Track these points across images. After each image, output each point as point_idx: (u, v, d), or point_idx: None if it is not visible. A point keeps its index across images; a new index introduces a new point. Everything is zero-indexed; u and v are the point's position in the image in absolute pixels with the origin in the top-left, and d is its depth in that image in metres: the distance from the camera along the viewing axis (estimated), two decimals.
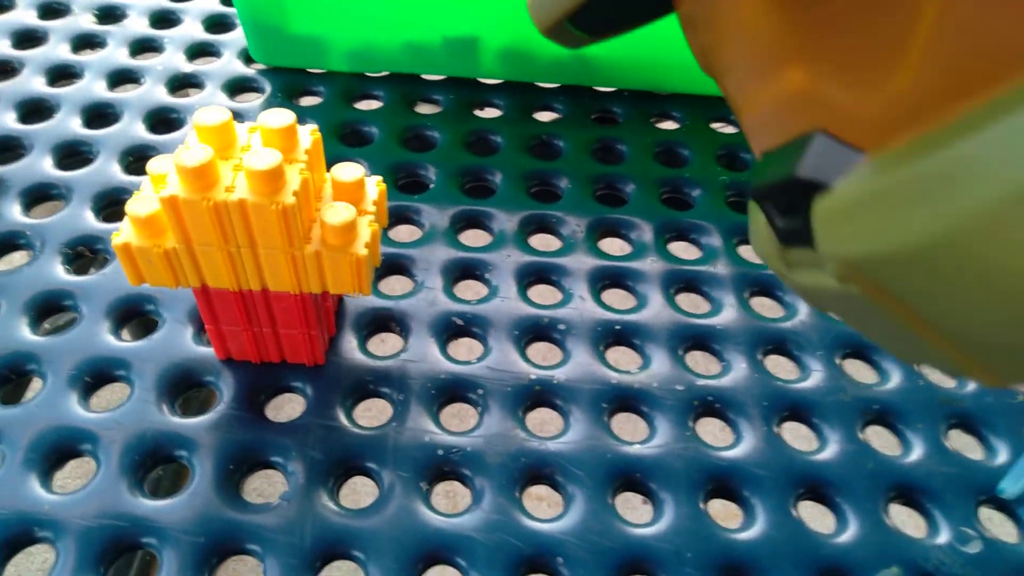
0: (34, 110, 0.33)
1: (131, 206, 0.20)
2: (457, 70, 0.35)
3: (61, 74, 0.35)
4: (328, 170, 0.22)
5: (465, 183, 0.31)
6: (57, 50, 0.36)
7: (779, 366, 0.26)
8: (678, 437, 0.23)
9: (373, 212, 0.22)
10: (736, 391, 0.24)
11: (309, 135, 0.21)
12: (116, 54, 0.36)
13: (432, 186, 0.31)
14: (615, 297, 0.28)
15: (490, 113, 0.34)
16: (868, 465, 0.23)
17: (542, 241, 0.29)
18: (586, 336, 0.26)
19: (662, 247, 0.29)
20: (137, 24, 0.38)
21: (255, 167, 0.19)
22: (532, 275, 0.28)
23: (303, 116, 0.33)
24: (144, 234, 0.20)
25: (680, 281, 0.28)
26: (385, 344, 0.26)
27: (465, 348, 0.26)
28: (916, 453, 0.23)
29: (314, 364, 0.24)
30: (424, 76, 0.36)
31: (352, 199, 0.21)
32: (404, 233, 0.29)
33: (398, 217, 0.29)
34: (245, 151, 0.20)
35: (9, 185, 0.29)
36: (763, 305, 0.28)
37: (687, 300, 0.28)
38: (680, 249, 0.29)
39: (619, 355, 0.26)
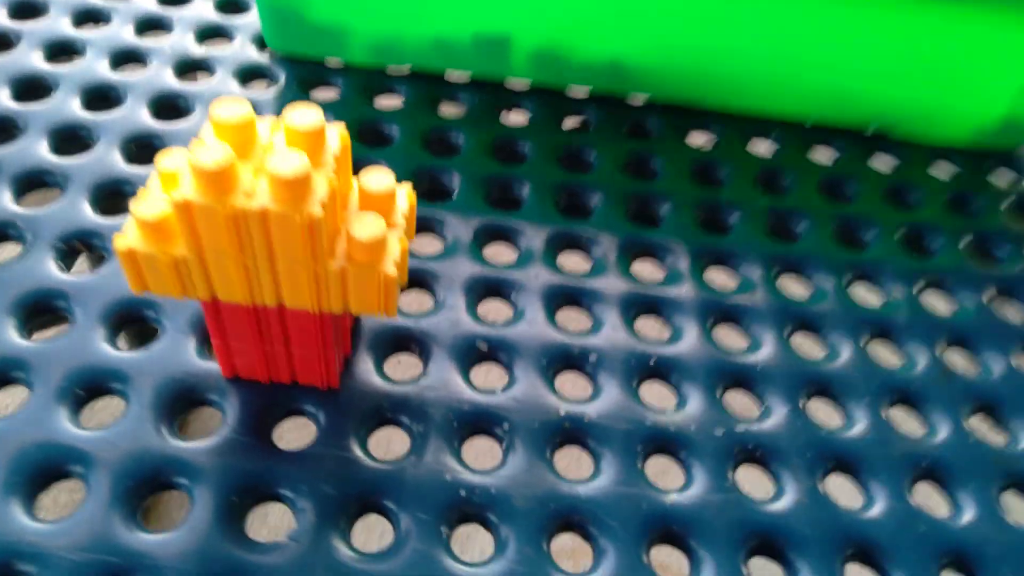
0: (30, 87, 0.31)
1: (137, 207, 0.18)
2: (485, 68, 0.33)
3: (61, 49, 0.33)
4: (355, 175, 0.20)
5: (490, 193, 0.29)
6: (58, 23, 0.33)
7: (821, 411, 0.24)
8: (717, 487, 0.21)
9: (403, 226, 0.20)
10: (779, 438, 0.23)
11: (338, 138, 0.19)
12: (122, 31, 0.33)
13: (456, 194, 0.29)
14: (648, 326, 0.26)
15: (517, 118, 0.33)
16: (919, 528, 0.21)
17: (571, 260, 0.28)
18: (618, 369, 0.24)
19: (698, 273, 0.27)
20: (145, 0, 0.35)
21: (280, 173, 0.17)
22: (560, 297, 0.26)
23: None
24: (151, 239, 0.18)
25: (717, 312, 0.26)
26: (401, 366, 0.25)
27: (489, 375, 0.24)
28: (967, 515, 0.22)
29: (328, 387, 0.22)
30: (448, 76, 0.34)
31: (381, 210, 0.19)
32: (424, 244, 0.27)
33: (420, 226, 0.27)
34: (267, 151, 0.18)
35: None
36: (803, 343, 0.26)
37: (725, 333, 0.26)
38: (718, 277, 0.28)
39: (653, 391, 0.24)
